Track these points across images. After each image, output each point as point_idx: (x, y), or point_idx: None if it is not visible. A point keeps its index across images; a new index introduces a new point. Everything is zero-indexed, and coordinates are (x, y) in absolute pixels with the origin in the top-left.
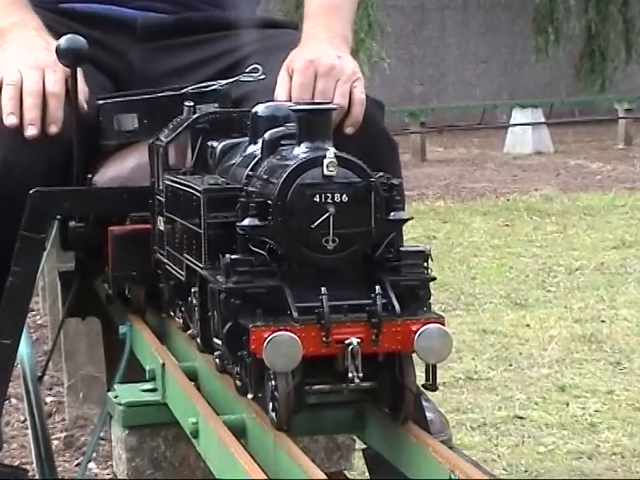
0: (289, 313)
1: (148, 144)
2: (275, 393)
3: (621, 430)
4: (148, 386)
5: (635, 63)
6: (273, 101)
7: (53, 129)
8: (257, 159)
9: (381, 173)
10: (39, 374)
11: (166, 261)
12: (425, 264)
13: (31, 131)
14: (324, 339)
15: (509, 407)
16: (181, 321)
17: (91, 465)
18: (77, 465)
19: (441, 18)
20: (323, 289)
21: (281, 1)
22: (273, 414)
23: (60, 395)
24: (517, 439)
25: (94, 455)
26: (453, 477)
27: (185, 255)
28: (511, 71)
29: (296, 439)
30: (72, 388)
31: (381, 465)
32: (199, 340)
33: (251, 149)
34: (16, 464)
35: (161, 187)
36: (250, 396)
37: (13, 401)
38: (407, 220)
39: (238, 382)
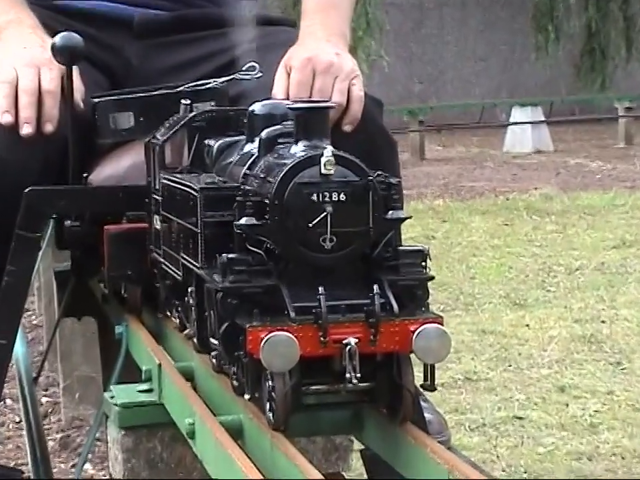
0: (286, 312)
1: (144, 142)
2: (272, 393)
3: (621, 431)
4: (144, 386)
5: (635, 61)
6: (270, 99)
7: (49, 127)
8: (254, 157)
9: (379, 172)
10: (35, 374)
11: (162, 260)
12: (424, 263)
13: (26, 130)
14: (321, 339)
15: (508, 408)
16: (178, 320)
17: (87, 466)
18: (73, 466)
19: (439, 15)
20: (320, 288)
21: None
22: (270, 414)
23: (55, 396)
24: (517, 440)
25: (90, 456)
26: (451, 477)
27: (182, 254)
28: (511, 69)
29: (293, 439)
30: (68, 388)
31: (378, 466)
32: (195, 340)
33: (247, 147)
34: (11, 465)
35: (157, 186)
36: (247, 396)
37: (8, 401)
38: (405, 219)
39: (235, 382)
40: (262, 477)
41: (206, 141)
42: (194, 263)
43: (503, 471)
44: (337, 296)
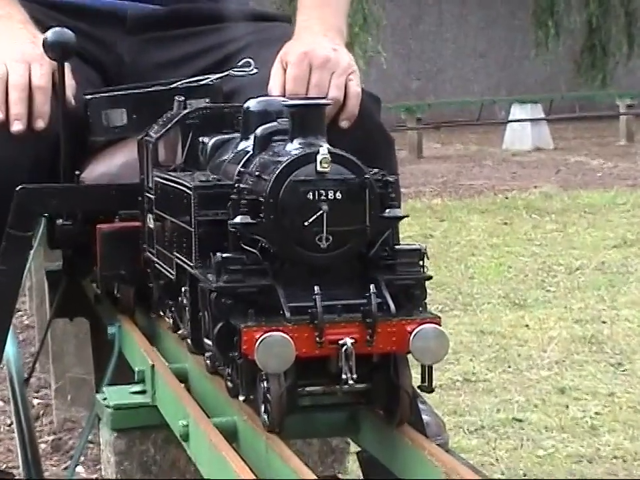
0: (281, 312)
1: (137, 140)
2: (267, 394)
3: (622, 433)
4: (137, 388)
5: (637, 57)
6: (265, 95)
7: (40, 123)
8: (248, 155)
9: (375, 170)
10: (26, 376)
11: (156, 259)
12: (421, 262)
13: (16, 126)
14: (317, 339)
15: (507, 410)
16: (171, 321)
17: (79, 468)
18: (65, 468)
19: (438, 11)
20: (316, 288)
21: None
22: (265, 416)
23: (47, 397)
24: (516, 442)
25: (82, 458)
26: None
27: (175, 253)
28: (510, 65)
29: (289, 441)
30: (60, 390)
31: (375, 469)
32: (189, 341)
33: (242, 145)
34: (2, 468)
35: (150, 184)
36: (241, 398)
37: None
38: (402, 217)
39: (229, 383)
40: None
41: (200, 139)
42: (188, 262)
43: (502, 474)
44: (333, 296)
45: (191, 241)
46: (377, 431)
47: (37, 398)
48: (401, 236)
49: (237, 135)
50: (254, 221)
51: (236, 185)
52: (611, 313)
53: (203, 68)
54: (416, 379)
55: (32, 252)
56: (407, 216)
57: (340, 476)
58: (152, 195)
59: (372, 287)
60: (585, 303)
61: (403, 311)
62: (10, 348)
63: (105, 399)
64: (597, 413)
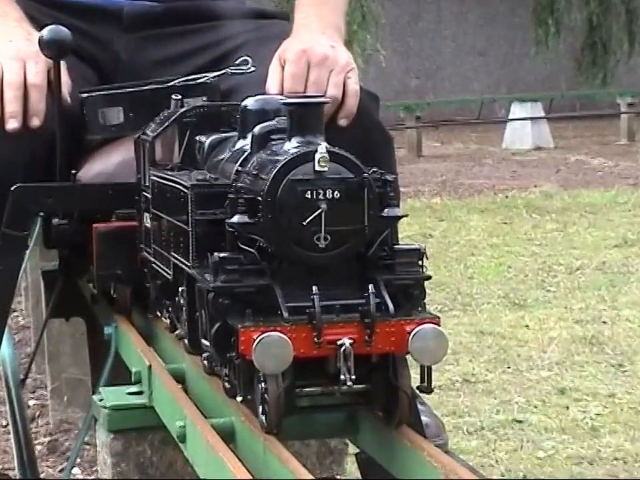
0: (279, 312)
1: (134, 138)
2: (265, 395)
3: (623, 434)
4: (134, 389)
5: (637, 55)
6: (263, 93)
7: (35, 121)
8: (246, 154)
9: (374, 168)
10: (22, 376)
11: (152, 259)
12: (420, 262)
13: (12, 124)
14: (315, 339)
15: (507, 411)
16: (168, 321)
17: (75, 470)
18: (61, 470)
19: (437, 9)
20: (314, 288)
21: None
22: (263, 417)
23: (43, 398)
24: (516, 444)
25: (78, 460)
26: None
27: (172, 253)
28: (510, 63)
29: (287, 443)
30: (56, 391)
31: (374, 470)
32: (186, 341)
33: (240, 143)
34: None
35: (147, 183)
36: (239, 399)
37: None
38: (401, 217)
39: (227, 384)
40: None
41: (197, 137)
42: (185, 262)
43: (502, 475)
44: (332, 296)
45: (188, 241)
46: (376, 432)
47: (32, 399)
48: (400, 236)
49: (234, 133)
50: (252, 221)
51: (233, 184)
52: (612, 313)
53: (200, 66)
54: (415, 379)
55: (28, 251)
56: (406, 215)
57: (338, 477)
58: (149, 194)
59: (370, 286)
60: (586, 303)
61: (401, 311)
62: (5, 348)
63: (101, 399)
64: (597, 414)
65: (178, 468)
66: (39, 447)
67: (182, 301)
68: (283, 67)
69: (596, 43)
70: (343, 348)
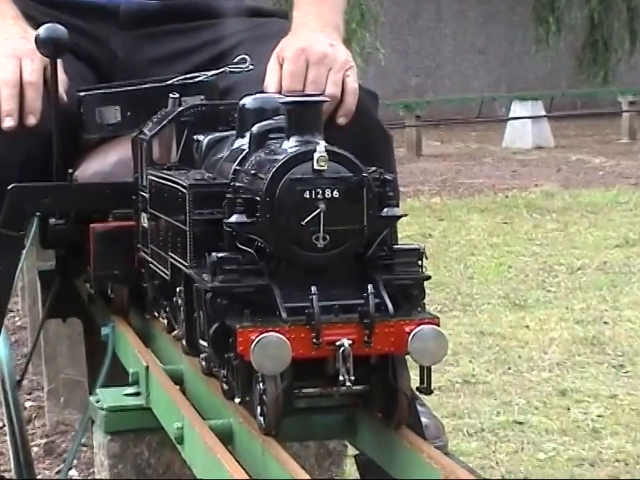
0: (277, 313)
1: (131, 137)
2: (263, 396)
3: (625, 436)
4: (131, 390)
5: (639, 53)
6: (261, 92)
7: (31, 120)
8: (244, 153)
9: (373, 168)
10: (18, 378)
11: (150, 259)
12: (420, 262)
13: (7, 123)
14: (314, 340)
15: (507, 412)
16: (166, 321)
17: (72, 472)
18: (58, 472)
19: (436, 7)
20: (313, 288)
21: None
22: (261, 418)
23: (40, 400)
24: (516, 445)
25: (75, 461)
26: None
27: (170, 253)
28: (510, 62)
29: (285, 444)
30: (52, 392)
31: (373, 472)
32: (184, 342)
33: (238, 142)
34: None
35: (144, 183)
36: (237, 400)
37: None
38: (400, 217)
39: (225, 385)
40: None
41: (195, 136)
42: (182, 262)
43: (502, 477)
44: (330, 296)
45: (185, 241)
46: (375, 433)
47: (29, 400)
48: (399, 235)
49: (232, 132)
50: (250, 220)
51: (231, 184)
52: (613, 314)
53: (198, 64)
54: (414, 380)
55: (24, 252)
56: (406, 215)
57: (337, 479)
58: (146, 193)
59: (370, 287)
60: (587, 304)
61: (401, 312)
62: (2, 349)
63: (98, 401)
64: (598, 416)
65: (176, 470)
66: (35, 449)
67: (180, 302)
68: (281, 65)
69: (597, 41)
70: (341, 349)
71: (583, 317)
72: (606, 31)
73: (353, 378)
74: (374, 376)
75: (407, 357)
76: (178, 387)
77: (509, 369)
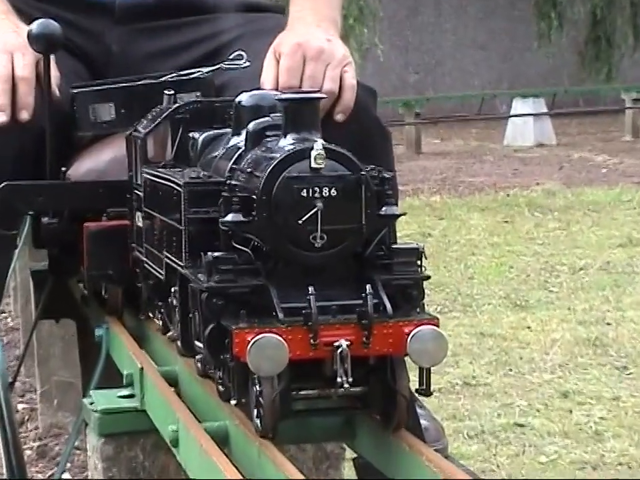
0: (274, 313)
1: (125, 135)
2: (260, 398)
3: (628, 439)
4: (125, 392)
5: None
6: (258, 89)
7: (24, 115)
8: (240, 151)
9: (372, 166)
10: (10, 380)
11: (144, 259)
12: (419, 262)
13: (0, 118)
14: (311, 341)
15: (508, 414)
16: (161, 322)
17: (66, 475)
18: (51, 475)
19: (436, 2)
20: (310, 288)
21: None
22: (258, 421)
23: (33, 402)
24: (517, 448)
25: (68, 465)
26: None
27: (165, 252)
28: (512, 58)
29: (282, 447)
30: (45, 394)
31: (372, 475)
32: (179, 343)
33: (234, 140)
34: None
35: (139, 181)
36: (233, 402)
37: None
38: (399, 215)
39: (220, 387)
40: None
41: (190, 134)
42: (178, 261)
43: None
44: (328, 296)
45: (181, 240)
46: (374, 436)
47: (21, 402)
48: (398, 235)
49: (228, 130)
50: (246, 219)
51: (227, 182)
52: (616, 315)
53: (194, 59)
54: (413, 382)
55: (17, 251)
56: (405, 214)
57: None
58: (141, 192)
59: (368, 287)
60: (589, 304)
61: (400, 312)
62: None
63: (92, 403)
64: (601, 418)
65: (171, 473)
66: (28, 452)
67: (175, 302)
68: (277, 61)
69: (600, 37)
70: (339, 350)
71: (586, 317)
72: (609, 26)
73: (351, 379)
74: (372, 377)
75: (406, 358)
76: (173, 389)
77: (510, 370)
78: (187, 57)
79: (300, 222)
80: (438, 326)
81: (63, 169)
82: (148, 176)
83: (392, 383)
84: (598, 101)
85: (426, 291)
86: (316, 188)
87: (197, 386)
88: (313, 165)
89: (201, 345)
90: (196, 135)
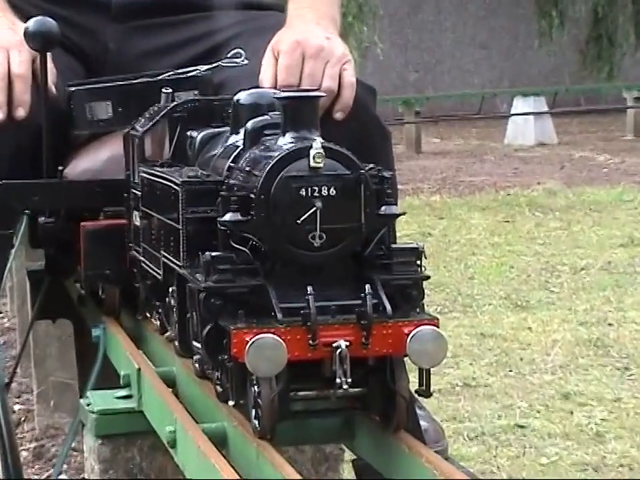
0: (272, 314)
1: (123, 134)
2: (258, 399)
3: (629, 440)
4: (122, 392)
5: None
6: (256, 87)
7: (20, 112)
8: (239, 149)
9: (371, 165)
10: (7, 380)
11: (142, 258)
12: (418, 262)
13: None
14: (310, 341)
15: (509, 416)
16: (158, 323)
17: (62, 477)
18: (47, 477)
19: (436, 0)
20: (309, 288)
21: None
22: (256, 422)
23: (29, 403)
24: (518, 450)
25: (65, 466)
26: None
27: (162, 252)
28: (513, 56)
29: (280, 448)
30: (42, 395)
31: (371, 477)
32: (176, 343)
33: (232, 139)
34: None
35: (136, 180)
36: (231, 403)
37: None
38: (399, 215)
39: (218, 388)
40: None
41: (188, 132)
42: (175, 261)
43: None
44: (327, 296)
45: (178, 239)
46: (373, 437)
47: (18, 403)
48: (398, 234)
49: (226, 128)
50: (244, 219)
51: (226, 181)
52: (618, 315)
53: (192, 57)
54: (413, 383)
55: (13, 251)
56: (404, 213)
57: None
58: (138, 191)
59: (367, 287)
60: (590, 305)
61: (399, 312)
62: None
63: (89, 404)
64: (602, 419)
65: (168, 474)
66: (24, 453)
67: (172, 302)
68: (276, 59)
69: (601, 36)
70: (338, 350)
71: (587, 318)
72: (610, 24)
73: (350, 380)
74: (372, 378)
75: (406, 359)
76: (170, 390)
77: (511, 371)
78: (184, 54)
79: (299, 221)
80: (438, 326)
81: (60, 167)
82: (145, 175)
83: (391, 384)
84: (599, 99)
85: (426, 291)
86: (315, 187)
87: (194, 387)
88: (312, 163)
89: (198, 345)
90: (194, 133)
